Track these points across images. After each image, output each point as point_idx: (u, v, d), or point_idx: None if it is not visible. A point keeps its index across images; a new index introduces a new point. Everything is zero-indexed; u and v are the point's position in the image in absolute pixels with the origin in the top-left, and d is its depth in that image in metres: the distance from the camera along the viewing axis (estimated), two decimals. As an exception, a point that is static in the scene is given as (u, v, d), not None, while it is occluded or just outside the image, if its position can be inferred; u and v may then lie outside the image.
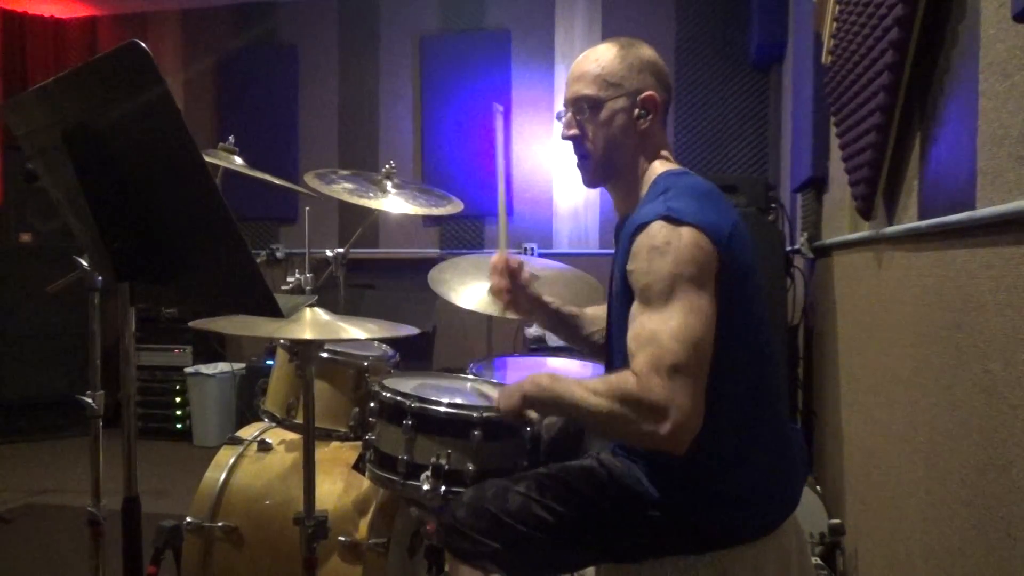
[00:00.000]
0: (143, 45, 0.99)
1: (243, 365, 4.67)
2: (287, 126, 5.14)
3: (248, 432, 2.22)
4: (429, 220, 4.93)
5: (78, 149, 1.16)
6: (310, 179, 2.30)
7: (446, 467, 1.53)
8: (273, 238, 5.20)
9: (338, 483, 2.00)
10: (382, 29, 5.06)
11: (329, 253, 2.34)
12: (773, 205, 3.32)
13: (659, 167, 1.44)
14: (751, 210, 2.98)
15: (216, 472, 2.08)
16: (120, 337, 1.32)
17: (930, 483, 1.50)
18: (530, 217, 4.82)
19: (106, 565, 1.88)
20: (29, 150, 1.31)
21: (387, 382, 1.72)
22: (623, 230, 1.38)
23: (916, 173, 1.62)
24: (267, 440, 2.14)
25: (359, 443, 1.92)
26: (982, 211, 1.20)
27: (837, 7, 2.14)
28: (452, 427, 1.57)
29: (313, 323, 1.74)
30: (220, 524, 1.99)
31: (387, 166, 2.42)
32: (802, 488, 1.45)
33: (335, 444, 2.10)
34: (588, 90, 1.44)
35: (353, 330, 1.73)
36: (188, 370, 4.70)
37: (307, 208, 2.69)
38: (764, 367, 1.37)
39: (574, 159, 1.51)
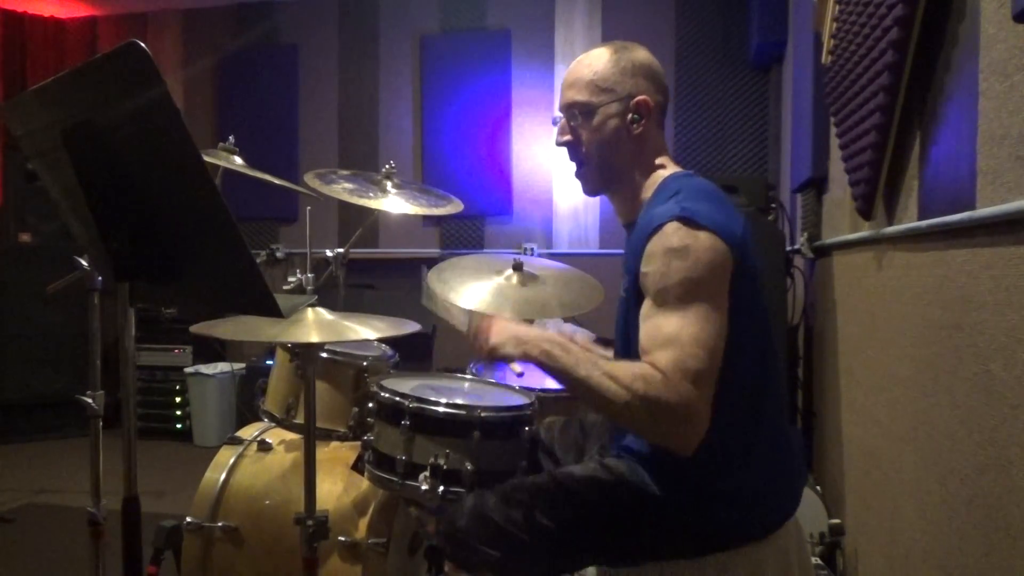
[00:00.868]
0: (143, 45, 0.99)
1: (243, 365, 4.67)
2: (287, 126, 5.14)
3: (248, 432, 2.22)
4: (429, 220, 4.93)
5: (78, 149, 1.15)
6: (310, 179, 2.30)
7: (444, 467, 1.53)
8: (273, 238, 5.20)
9: (338, 483, 2.00)
10: (382, 29, 5.06)
11: (329, 253, 2.33)
12: (773, 205, 3.32)
13: (663, 170, 1.44)
14: (751, 210, 2.99)
15: (216, 472, 2.08)
16: (120, 337, 1.31)
17: (930, 483, 1.49)
18: (530, 217, 4.82)
19: (106, 565, 1.88)
20: (29, 150, 1.31)
21: (386, 382, 1.72)
22: (633, 233, 1.37)
23: (916, 173, 1.62)
24: (267, 440, 2.14)
25: (359, 443, 1.93)
26: (982, 211, 1.20)
27: (837, 7, 2.14)
28: (450, 427, 1.57)
29: (316, 323, 1.73)
30: (220, 524, 1.99)
31: (387, 166, 2.41)
32: (803, 489, 1.45)
33: (335, 444, 2.10)
34: (580, 96, 1.44)
35: (357, 328, 1.72)
36: (188, 370, 4.70)
37: (308, 208, 2.68)
38: (767, 368, 1.37)
39: (573, 169, 1.50)
